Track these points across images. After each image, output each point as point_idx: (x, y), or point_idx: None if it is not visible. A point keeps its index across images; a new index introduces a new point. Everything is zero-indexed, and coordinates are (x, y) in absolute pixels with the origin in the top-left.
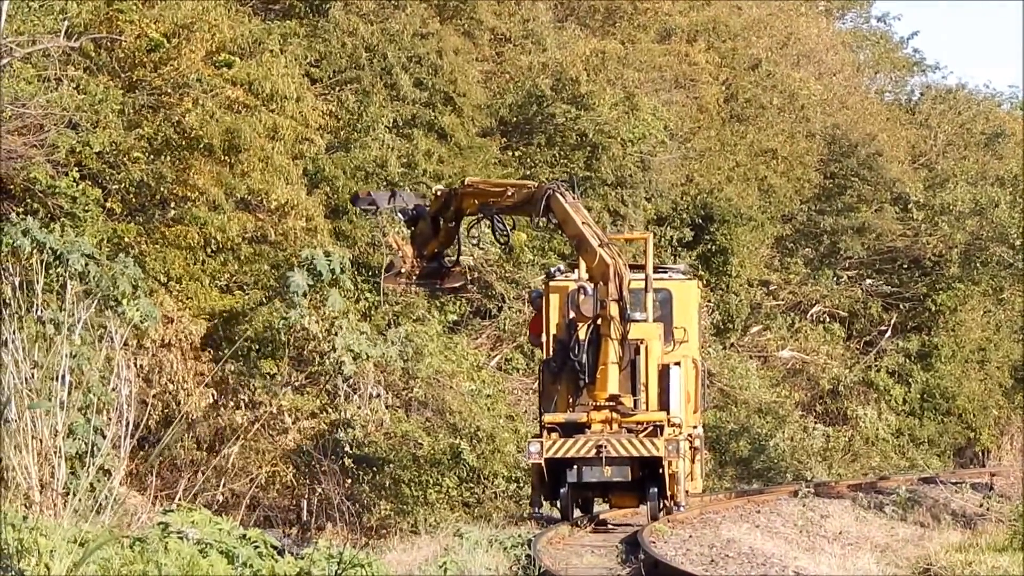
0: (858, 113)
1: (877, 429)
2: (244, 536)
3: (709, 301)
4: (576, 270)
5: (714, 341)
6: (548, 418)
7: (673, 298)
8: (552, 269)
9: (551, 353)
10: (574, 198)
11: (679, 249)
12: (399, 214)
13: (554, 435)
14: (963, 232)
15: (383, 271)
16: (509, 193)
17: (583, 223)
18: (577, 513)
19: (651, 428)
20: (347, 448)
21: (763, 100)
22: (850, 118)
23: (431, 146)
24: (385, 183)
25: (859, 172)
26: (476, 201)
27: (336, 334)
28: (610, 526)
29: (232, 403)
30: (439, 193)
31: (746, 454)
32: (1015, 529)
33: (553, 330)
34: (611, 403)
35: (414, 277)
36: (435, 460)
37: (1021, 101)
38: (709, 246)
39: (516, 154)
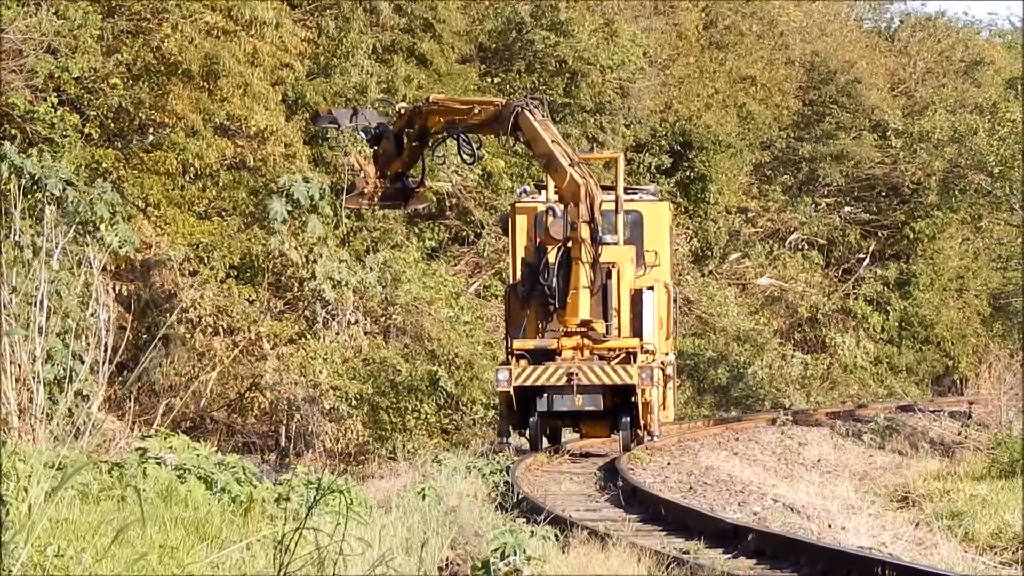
0: (837, 40)
1: (855, 357)
2: (222, 462)
3: (687, 228)
4: (544, 191)
5: (692, 268)
6: (517, 344)
7: (644, 220)
8: (519, 190)
9: (519, 277)
10: (543, 116)
11: (658, 176)
12: (361, 133)
13: (523, 362)
14: (941, 160)
15: (345, 192)
16: (476, 110)
17: (552, 141)
18: (545, 444)
19: (624, 355)
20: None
21: (742, 27)
22: (829, 45)
23: (411, 72)
24: None
25: (838, 99)
26: (442, 119)
27: (315, 261)
28: (589, 454)
29: (211, 329)
30: (403, 111)
31: (724, 382)
32: (993, 457)
33: (521, 253)
34: (582, 329)
35: (376, 198)
36: (413, 387)
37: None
38: (688, 173)
39: (495, 81)
